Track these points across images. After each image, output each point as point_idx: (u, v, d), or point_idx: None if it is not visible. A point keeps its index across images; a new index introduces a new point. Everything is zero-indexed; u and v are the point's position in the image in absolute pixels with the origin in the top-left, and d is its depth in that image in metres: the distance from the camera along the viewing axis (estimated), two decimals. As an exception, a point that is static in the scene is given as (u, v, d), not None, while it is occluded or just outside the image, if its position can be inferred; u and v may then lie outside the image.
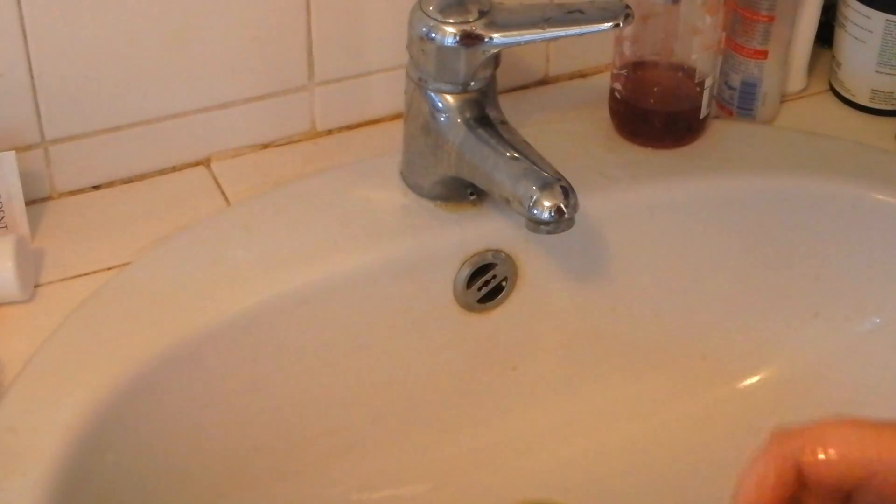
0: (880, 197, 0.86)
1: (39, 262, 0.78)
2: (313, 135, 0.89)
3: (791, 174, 0.87)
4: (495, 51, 0.76)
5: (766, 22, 0.88)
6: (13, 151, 0.77)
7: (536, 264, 0.83)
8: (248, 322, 0.76)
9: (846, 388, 0.88)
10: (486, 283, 0.82)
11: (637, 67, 0.87)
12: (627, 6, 0.76)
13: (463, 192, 0.81)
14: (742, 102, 0.91)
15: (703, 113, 0.87)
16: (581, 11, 0.76)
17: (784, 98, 0.94)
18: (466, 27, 0.75)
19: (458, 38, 0.75)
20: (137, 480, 0.75)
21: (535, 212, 0.72)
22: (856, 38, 0.92)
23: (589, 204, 0.79)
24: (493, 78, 0.79)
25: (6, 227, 0.78)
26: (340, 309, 0.79)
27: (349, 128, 0.89)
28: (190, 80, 0.82)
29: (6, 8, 0.75)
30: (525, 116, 0.90)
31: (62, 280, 0.77)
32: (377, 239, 0.80)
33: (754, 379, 0.90)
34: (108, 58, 0.79)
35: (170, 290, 0.76)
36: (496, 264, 0.82)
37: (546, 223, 0.72)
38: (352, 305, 0.79)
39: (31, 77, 0.78)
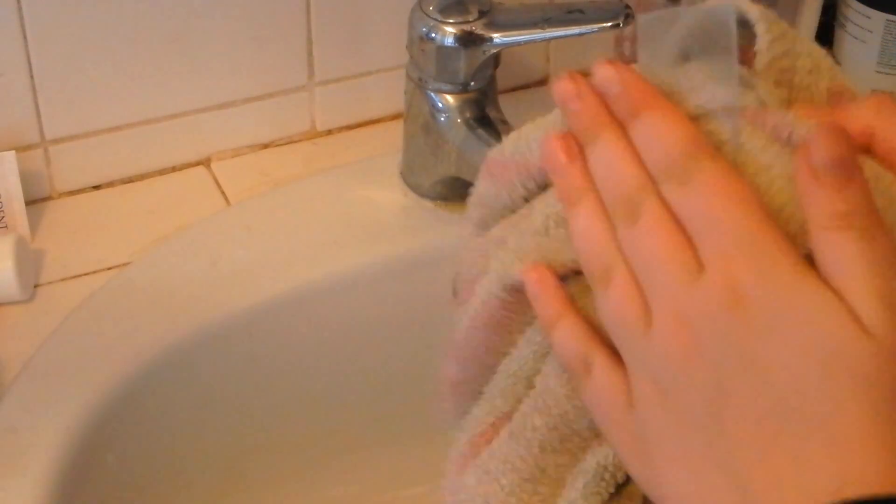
0: (880, 197, 0.85)
1: (39, 262, 0.78)
2: (313, 135, 0.89)
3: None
4: (495, 51, 0.76)
5: (766, 22, 0.87)
6: (13, 151, 0.77)
7: (536, 264, 0.83)
8: (248, 322, 0.76)
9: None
10: (486, 283, 0.82)
11: (637, 67, 0.87)
12: (627, 6, 0.76)
13: (463, 192, 0.81)
14: (742, 102, 0.91)
15: (703, 113, 0.87)
16: (581, 11, 0.76)
17: (784, 98, 0.94)
18: (466, 27, 0.75)
19: (458, 38, 0.75)
20: (137, 480, 0.75)
21: (535, 212, 0.71)
22: (856, 38, 0.92)
23: (589, 204, 0.79)
24: (493, 78, 0.79)
25: (6, 227, 0.78)
26: (340, 309, 0.79)
27: (349, 128, 0.89)
28: (190, 80, 0.82)
29: (6, 8, 0.75)
30: (525, 116, 0.89)
31: (62, 280, 0.77)
32: (377, 239, 0.80)
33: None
34: (108, 58, 0.79)
35: (170, 290, 0.76)
36: (496, 264, 0.82)
37: (546, 223, 0.72)
38: (352, 305, 0.79)
39: (31, 77, 0.78)
